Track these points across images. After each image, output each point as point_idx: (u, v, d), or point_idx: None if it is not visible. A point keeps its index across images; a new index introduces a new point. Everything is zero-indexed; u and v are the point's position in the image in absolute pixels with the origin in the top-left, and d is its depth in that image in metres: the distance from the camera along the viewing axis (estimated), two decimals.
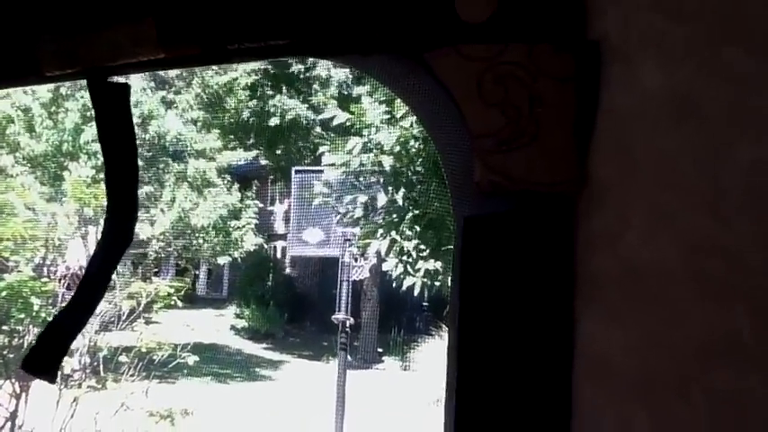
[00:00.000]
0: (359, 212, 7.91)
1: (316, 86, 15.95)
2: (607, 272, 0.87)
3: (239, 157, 15.89)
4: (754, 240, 0.81)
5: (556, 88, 0.89)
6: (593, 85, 0.89)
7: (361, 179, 7.38)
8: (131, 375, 8.77)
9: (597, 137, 0.88)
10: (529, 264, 0.88)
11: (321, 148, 7.69)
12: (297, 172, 11.31)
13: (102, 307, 8.75)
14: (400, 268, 8.00)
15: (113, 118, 1.23)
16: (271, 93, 16.80)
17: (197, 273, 20.15)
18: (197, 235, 14.54)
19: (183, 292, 9.57)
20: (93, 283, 1.18)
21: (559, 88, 0.89)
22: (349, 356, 13.22)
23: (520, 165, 0.88)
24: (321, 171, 8.58)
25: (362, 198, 7.60)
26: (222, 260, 16.36)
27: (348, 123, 7.31)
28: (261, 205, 17.25)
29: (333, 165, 7.27)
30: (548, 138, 0.88)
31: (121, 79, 1.17)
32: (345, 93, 14.43)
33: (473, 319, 0.89)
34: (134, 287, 8.80)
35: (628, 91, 0.88)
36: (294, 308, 19.97)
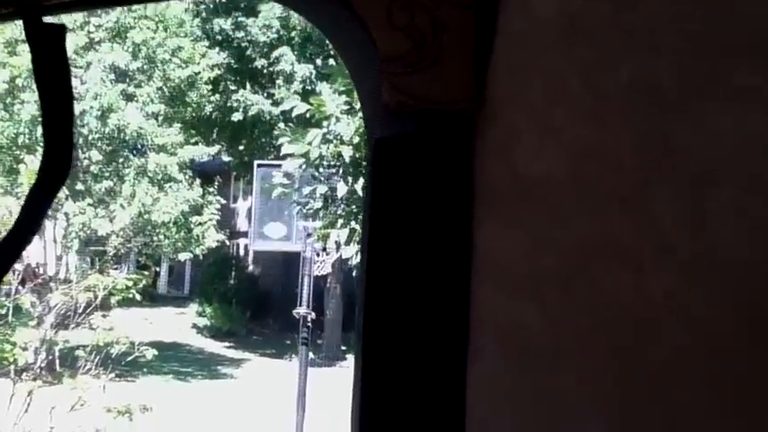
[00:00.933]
0: (319, 204, 7.95)
1: (279, 82, 15.92)
2: (502, 182, 0.94)
3: (201, 152, 15.78)
4: (632, 146, 0.89)
5: (458, 14, 0.96)
6: (491, 12, 0.96)
7: (321, 170, 7.43)
8: (88, 371, 8.67)
9: (494, 59, 0.95)
10: (434, 178, 0.94)
11: (281, 139, 7.70)
12: (259, 166, 11.28)
13: (58, 299, 8.64)
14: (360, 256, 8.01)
15: (49, 59, 1.25)
16: (233, 88, 16.72)
17: (158, 270, 19.97)
18: (158, 231, 14.43)
19: (141, 286, 9.49)
20: (29, 217, 1.21)
21: (461, 14, 0.96)
22: (312, 354, 13.20)
23: (423, 85, 0.94)
24: (285, 171, 8.61)
25: (322, 189, 7.64)
26: (183, 257, 16.24)
27: (308, 115, 7.35)
28: (223, 202, 17.15)
29: (292, 155, 7.30)
30: (449, 60, 0.95)
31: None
32: (309, 88, 14.42)
33: (383, 234, 0.95)
34: (91, 280, 8.71)
35: (523, 16, 0.95)
36: (257, 306, 19.90)
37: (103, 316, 8.50)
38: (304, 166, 7.50)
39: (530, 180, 0.94)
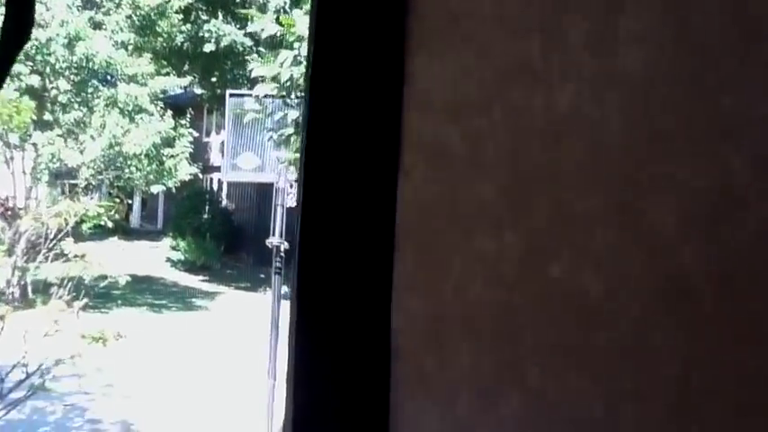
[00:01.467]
0: (290, 130, 7.92)
1: (252, 11, 15.64)
2: (432, 17, 0.99)
3: (173, 83, 15.54)
4: None
5: None
6: None
7: (293, 96, 7.38)
8: (60, 297, 8.71)
9: None
10: (371, 15, 0.98)
11: (252, 64, 7.62)
12: (231, 95, 11.17)
13: (29, 225, 8.61)
14: None
15: None
16: (205, 17, 16.41)
17: (130, 203, 19.84)
18: (129, 163, 14.31)
19: (113, 213, 9.47)
20: None
21: None
22: (287, 287, 13.37)
23: None
24: (256, 95, 8.53)
25: (293, 114, 7.60)
26: (156, 189, 16.16)
27: (279, 36, 7.27)
28: (196, 134, 16.99)
29: (263, 78, 7.23)
30: None
31: None
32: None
33: (324, 80, 0.99)
34: (62, 206, 8.67)
35: None
36: (231, 240, 19.97)
37: (75, 242, 8.49)
38: (276, 91, 7.44)
39: (459, 15, 0.99)
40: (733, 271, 0.94)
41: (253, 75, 7.76)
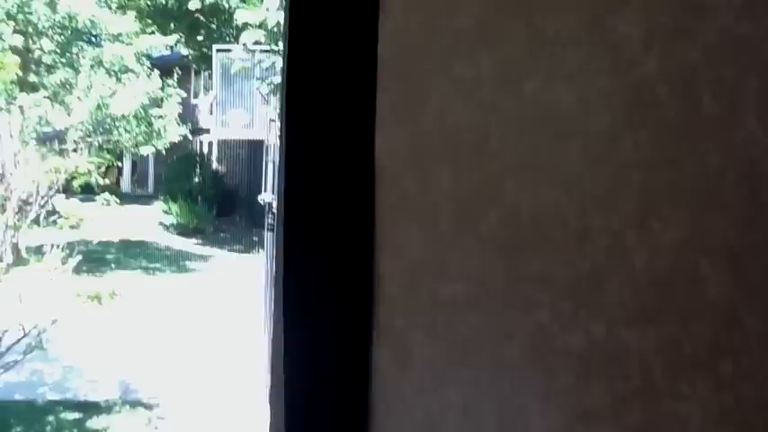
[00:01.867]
0: (278, 79, 7.88)
1: None
2: None
3: (159, 42, 15.38)
4: None
5: None
6: None
7: (280, 43, 7.32)
8: (54, 255, 8.72)
9: None
10: None
11: (237, 13, 7.53)
12: (219, 50, 11.07)
13: (19, 182, 8.59)
14: None
15: None
16: None
17: (119, 165, 19.75)
18: (117, 124, 14.22)
19: (104, 170, 9.46)
20: None
21: None
22: None
23: None
24: (243, 43, 8.41)
25: (282, 63, 7.56)
26: (146, 151, 16.09)
27: None
28: (184, 95, 16.86)
29: (249, 25, 7.16)
30: None
31: None
32: None
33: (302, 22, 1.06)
34: (52, 162, 8.65)
35: None
36: (223, 203, 19.93)
37: (66, 198, 8.49)
38: (263, 39, 7.37)
39: None
40: (692, 79, 0.97)
41: (238, 21, 7.67)
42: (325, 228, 1.11)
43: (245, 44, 7.87)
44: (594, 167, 1.00)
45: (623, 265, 0.98)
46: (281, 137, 1.13)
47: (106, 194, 10.59)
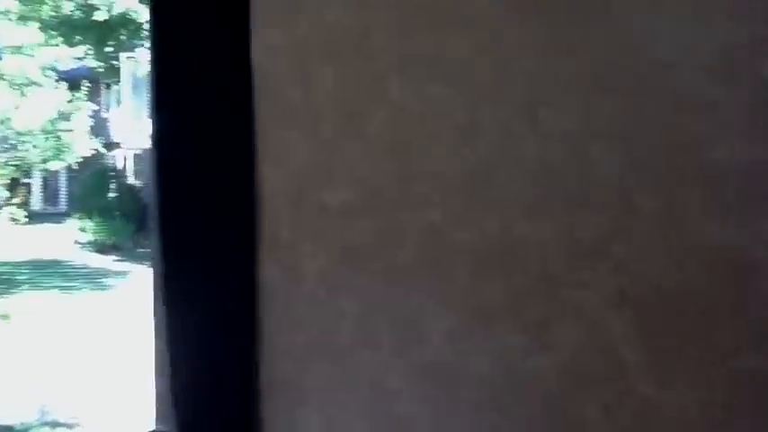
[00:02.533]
0: None
1: None
2: None
3: (65, 54, 14.84)
4: None
5: None
6: None
7: None
8: None
9: None
10: None
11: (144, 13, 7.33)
12: (128, 58, 10.77)
13: None
14: None
15: None
16: None
17: (29, 182, 19.00)
18: (23, 140, 13.66)
19: (8, 179, 9.04)
20: None
21: None
22: None
23: None
24: None
25: None
26: (55, 166, 15.51)
27: None
28: (95, 107, 16.32)
29: None
30: None
31: None
32: None
33: None
34: None
35: None
36: (142, 218, 19.37)
37: None
38: None
39: None
40: None
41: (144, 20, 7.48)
42: (202, 144, 1.04)
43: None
44: (480, 59, 0.96)
45: (514, 157, 0.95)
46: (151, 39, 1.06)
47: (12, 209, 10.12)
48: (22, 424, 9.29)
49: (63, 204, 21.42)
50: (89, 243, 18.80)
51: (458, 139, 0.97)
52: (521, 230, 0.95)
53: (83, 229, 18.85)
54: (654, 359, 0.90)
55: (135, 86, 9.44)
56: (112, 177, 19.68)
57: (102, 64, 17.25)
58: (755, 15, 0.87)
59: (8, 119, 12.99)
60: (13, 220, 10.29)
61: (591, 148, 0.93)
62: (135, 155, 18.61)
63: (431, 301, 0.97)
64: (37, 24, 14.17)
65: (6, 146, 13.47)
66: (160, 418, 1.10)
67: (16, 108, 13.16)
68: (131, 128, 11.54)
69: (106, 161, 19.63)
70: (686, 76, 0.90)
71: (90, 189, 19.00)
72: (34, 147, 13.86)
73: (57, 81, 14.36)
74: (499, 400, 0.95)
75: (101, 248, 18.63)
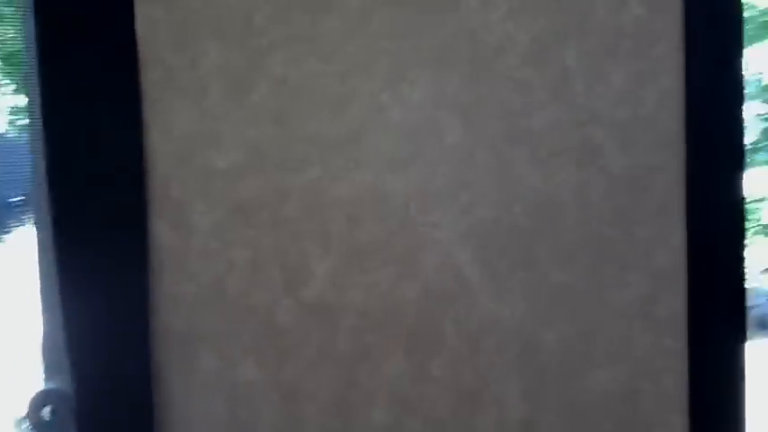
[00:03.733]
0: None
1: None
2: None
3: None
4: None
5: None
6: None
7: None
8: None
9: None
10: None
11: None
12: None
13: None
14: None
15: None
16: None
17: None
18: None
19: None
20: None
21: None
22: None
23: None
24: None
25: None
26: None
27: None
28: None
29: None
30: None
31: None
32: None
33: None
34: None
35: None
36: None
37: None
38: None
39: None
40: None
41: None
42: (88, 111, 1.09)
43: None
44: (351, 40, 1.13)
45: (380, 123, 1.14)
46: (34, 10, 1.06)
47: None
48: None
49: None
50: None
51: (332, 107, 1.14)
52: (387, 183, 1.15)
53: None
54: (492, 278, 1.17)
55: None
56: None
57: None
58: (561, 10, 1.15)
59: None
60: None
61: (439, 115, 1.16)
62: None
63: (314, 248, 1.14)
64: None
65: None
66: (50, 375, 1.14)
67: None
68: None
69: None
70: (511, 61, 1.16)
71: None
72: None
73: None
74: (373, 325, 1.16)
75: None
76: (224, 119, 1.12)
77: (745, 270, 1.19)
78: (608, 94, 1.17)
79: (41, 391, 1.13)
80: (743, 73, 1.18)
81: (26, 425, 1.13)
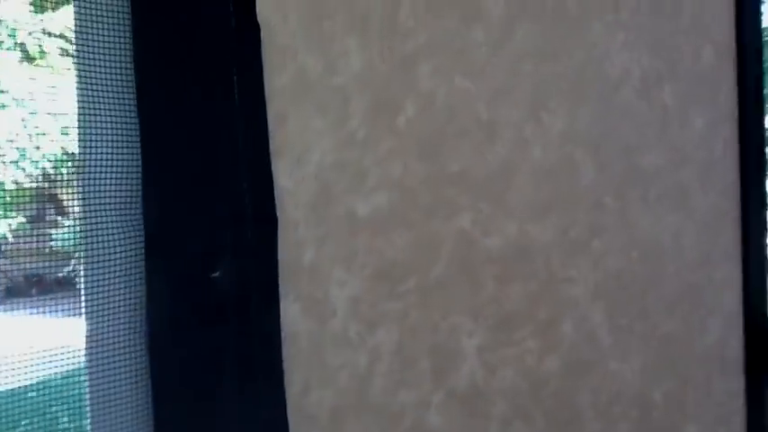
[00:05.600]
0: None
1: None
2: None
3: None
4: None
5: None
6: None
7: None
8: None
9: None
10: None
11: None
12: None
13: None
14: None
15: None
16: None
17: None
18: None
19: None
20: None
21: None
22: None
23: None
24: None
25: None
26: None
27: None
28: None
29: None
30: None
31: None
32: None
33: None
34: None
35: None
36: None
37: None
38: None
39: None
40: None
41: None
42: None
43: None
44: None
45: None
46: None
47: None
48: None
49: None
50: None
51: (480, 138, 0.90)
52: (531, 234, 0.94)
53: None
54: (618, 338, 1.03)
55: None
56: None
57: None
58: (656, 48, 1.08)
59: None
60: None
61: (576, 153, 0.99)
62: None
63: None
64: None
65: None
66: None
67: None
68: None
69: None
70: (627, 95, 1.04)
71: None
72: None
73: None
74: (520, 408, 0.93)
75: None
76: (368, 148, 0.80)
77: None
78: (693, 136, 1.12)
79: None
80: None
81: None
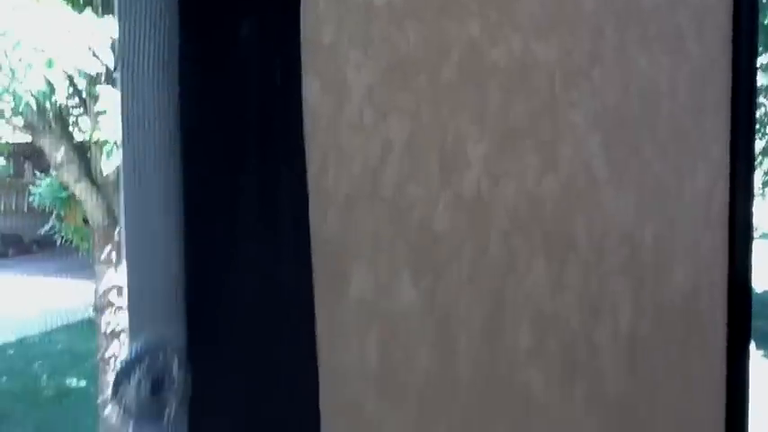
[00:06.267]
0: None
1: None
2: None
3: None
4: None
5: None
6: None
7: None
8: None
9: None
10: None
11: None
12: None
13: None
14: None
15: None
16: None
17: None
18: None
19: None
20: None
21: None
22: None
23: None
24: None
25: None
26: None
27: None
28: None
29: None
30: None
31: None
32: None
33: None
34: None
35: None
36: None
37: None
38: None
39: None
40: None
41: None
42: None
43: None
44: None
45: None
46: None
47: None
48: None
49: None
50: None
51: None
52: (536, 52, 0.94)
53: None
54: (613, 170, 1.04)
55: None
56: None
57: None
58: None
59: None
60: None
61: None
62: None
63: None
64: None
65: None
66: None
67: None
68: None
69: None
70: None
71: None
72: None
73: None
74: (520, 228, 0.94)
75: None
76: None
77: None
78: None
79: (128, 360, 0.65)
80: None
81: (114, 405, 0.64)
